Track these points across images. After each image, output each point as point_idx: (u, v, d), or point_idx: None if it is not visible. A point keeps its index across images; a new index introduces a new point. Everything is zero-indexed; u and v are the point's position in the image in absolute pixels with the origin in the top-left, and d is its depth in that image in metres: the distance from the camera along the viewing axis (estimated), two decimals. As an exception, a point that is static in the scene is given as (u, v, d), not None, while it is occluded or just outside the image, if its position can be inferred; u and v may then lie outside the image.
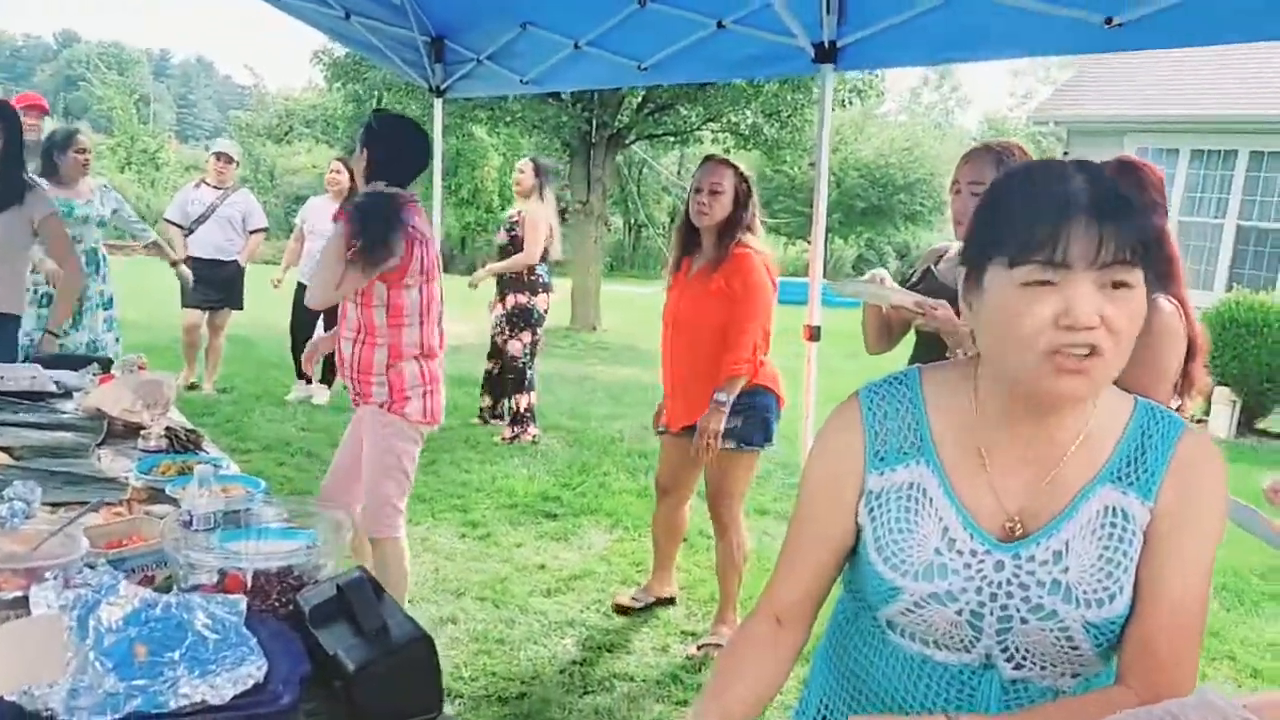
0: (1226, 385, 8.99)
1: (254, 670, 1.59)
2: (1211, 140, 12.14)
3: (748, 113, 12.18)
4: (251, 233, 7.41)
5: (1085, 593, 1.22)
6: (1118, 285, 1.13)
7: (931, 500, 1.27)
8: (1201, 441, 1.27)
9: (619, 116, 11.72)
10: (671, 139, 14.07)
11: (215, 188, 7.24)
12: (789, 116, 12.08)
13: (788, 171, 21.65)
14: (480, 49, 5.83)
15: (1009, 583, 1.24)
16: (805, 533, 1.38)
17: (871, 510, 1.30)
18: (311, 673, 1.65)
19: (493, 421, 7.01)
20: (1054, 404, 1.21)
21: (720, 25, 4.20)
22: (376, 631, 1.67)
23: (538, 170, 6.66)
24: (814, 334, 3.84)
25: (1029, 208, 1.15)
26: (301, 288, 7.18)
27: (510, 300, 6.60)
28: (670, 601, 4.18)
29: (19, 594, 1.63)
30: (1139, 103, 12.80)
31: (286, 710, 1.56)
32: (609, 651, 3.77)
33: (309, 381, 7.41)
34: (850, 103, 12.72)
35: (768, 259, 3.71)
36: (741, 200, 3.64)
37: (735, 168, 3.70)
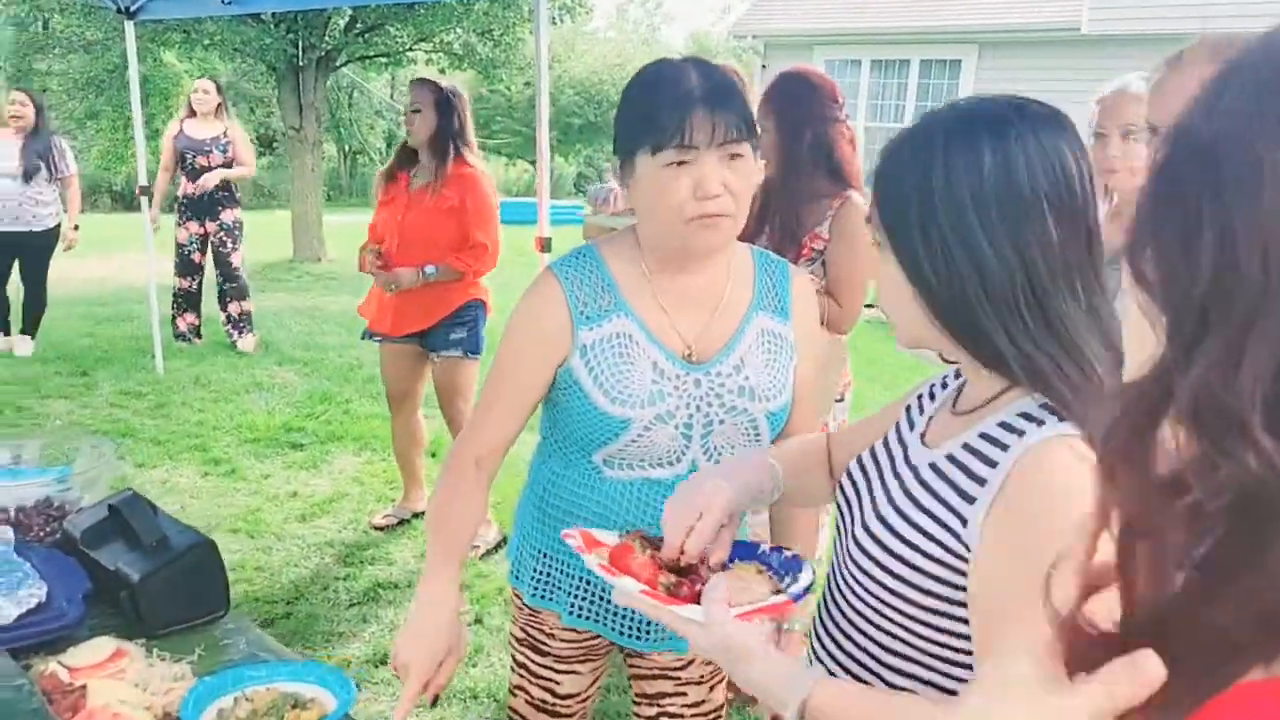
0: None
1: (34, 592, 1.65)
2: (889, 51, 13.23)
3: (459, 31, 12.05)
4: None
5: (763, 392, 1.59)
6: (734, 157, 1.45)
7: (637, 343, 1.56)
8: (802, 274, 1.70)
9: (326, 38, 11.27)
10: (384, 60, 13.68)
11: None
12: (501, 35, 12.05)
13: (504, 91, 21.54)
14: (172, -33, 5.52)
15: (709, 394, 1.56)
16: (508, 385, 1.61)
17: (588, 361, 1.55)
18: (94, 589, 1.72)
19: (198, 340, 7.15)
20: (701, 256, 1.54)
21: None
22: (157, 542, 1.75)
23: (219, 90, 6.93)
24: (545, 245, 4.05)
25: (661, 104, 1.44)
26: None
27: (228, 215, 6.88)
28: (423, 514, 4.33)
29: None
30: (825, 17, 13.71)
31: (72, 624, 1.64)
32: (370, 565, 3.90)
33: (7, 333, 6.85)
34: (560, 20, 12.83)
35: (489, 180, 3.94)
36: (445, 115, 3.80)
37: (433, 84, 3.89)
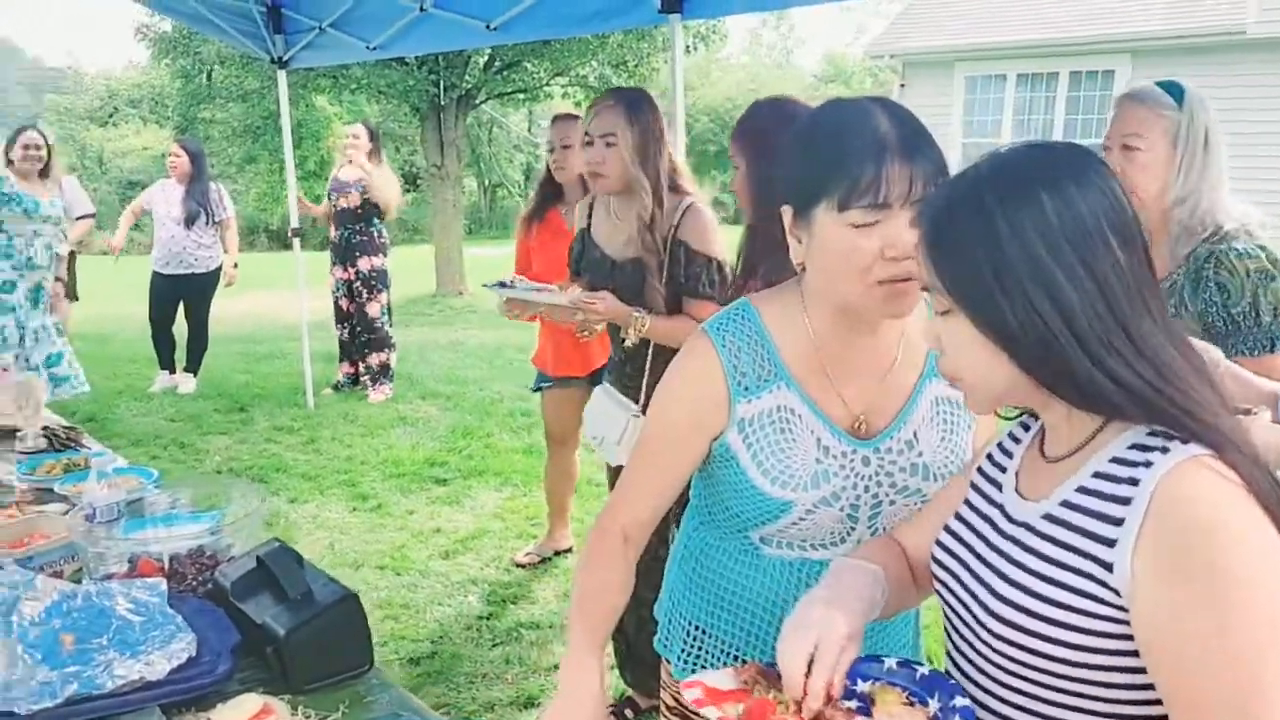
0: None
1: (185, 645, 1.63)
2: (1036, 64, 12.75)
3: (594, 65, 12.20)
4: (78, 219, 7.11)
5: (939, 469, 1.44)
6: None
7: (800, 417, 1.41)
8: None
9: (466, 77, 11.58)
10: (521, 96, 13.97)
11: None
12: (636, 66, 12.15)
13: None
14: (321, 16, 5.71)
15: (878, 473, 1.43)
16: (660, 457, 1.48)
17: (746, 436, 1.42)
18: (242, 642, 1.70)
19: (355, 388, 7.09)
20: (882, 323, 1.40)
21: (567, -19, 4.24)
22: (302, 596, 1.72)
23: (372, 134, 6.83)
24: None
25: (850, 155, 1.27)
26: (158, 277, 6.95)
27: (365, 263, 6.79)
28: (568, 552, 4.29)
29: (-68, 603, 1.62)
30: (966, 32, 13.33)
31: (222, 679, 1.62)
32: (513, 604, 3.87)
33: (173, 371, 7.20)
34: (695, 49, 12.86)
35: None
36: None
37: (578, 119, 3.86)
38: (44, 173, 5.70)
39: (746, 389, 1.42)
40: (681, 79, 4.07)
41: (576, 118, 3.86)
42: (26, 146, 5.61)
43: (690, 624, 1.59)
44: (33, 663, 1.54)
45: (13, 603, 1.61)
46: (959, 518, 1.21)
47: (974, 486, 1.22)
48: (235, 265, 7.08)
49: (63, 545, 1.97)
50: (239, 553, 1.98)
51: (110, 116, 28.71)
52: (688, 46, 12.44)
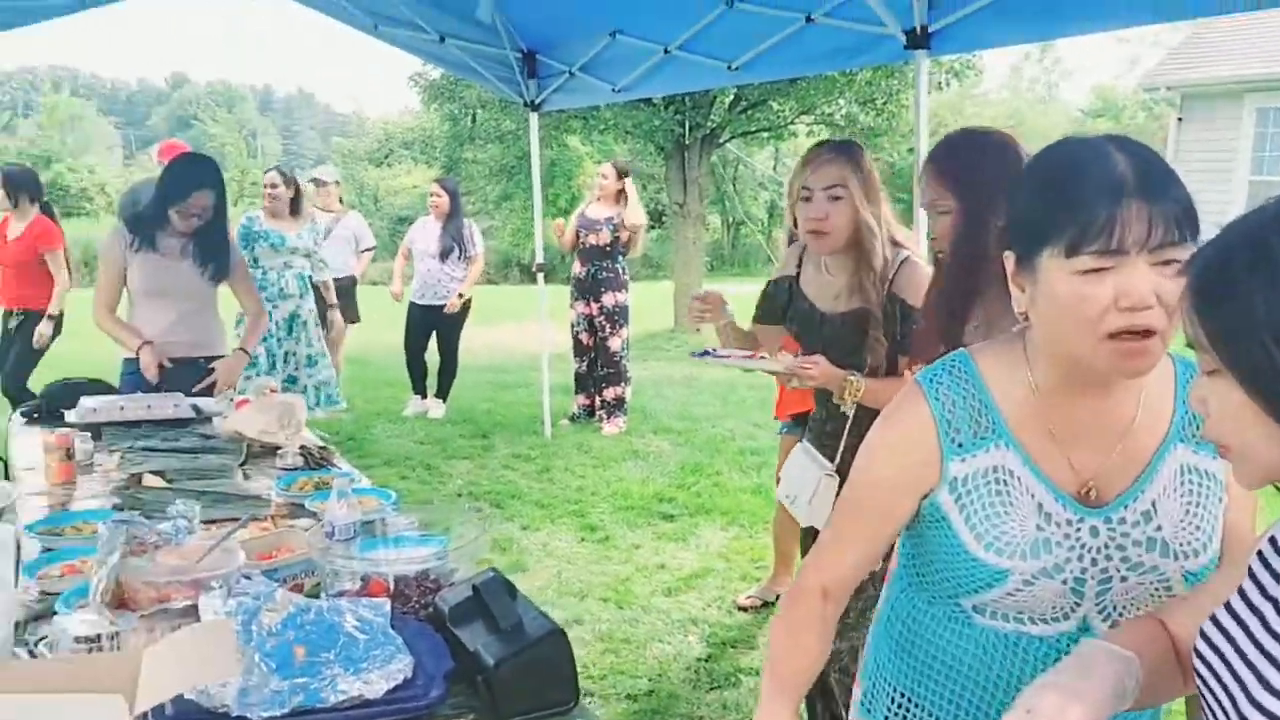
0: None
1: (403, 666, 1.69)
2: (1336, 95, 11.57)
3: (841, 102, 12.10)
4: (362, 252, 7.70)
5: (1181, 546, 1.30)
6: (1168, 262, 1.15)
7: (1020, 479, 1.30)
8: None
9: (711, 116, 11.76)
10: (765, 135, 14.04)
11: (325, 210, 7.54)
12: (884, 104, 11.95)
13: (886, 159, 21.37)
14: (571, 61, 5.95)
15: (1107, 546, 1.29)
16: (865, 514, 1.40)
17: (959, 498, 1.31)
18: (454, 669, 1.74)
19: (590, 420, 7.26)
20: (1117, 380, 1.26)
21: (809, 19, 4.20)
22: (512, 627, 1.75)
23: (621, 173, 7.02)
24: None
25: (1080, 196, 1.17)
26: (414, 307, 7.42)
27: (609, 298, 7.01)
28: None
29: (188, 603, 1.76)
30: (1258, 61, 12.25)
31: (434, 703, 1.66)
32: (733, 648, 3.82)
33: (424, 396, 7.64)
34: (947, 84, 12.50)
35: None
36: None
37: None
38: (294, 209, 6.28)
39: (960, 446, 1.32)
40: (926, 117, 3.95)
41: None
42: (270, 185, 6.21)
43: (896, 690, 1.49)
44: (267, 671, 1.63)
45: (255, 612, 1.72)
46: (1228, 607, 1.06)
47: (1250, 573, 1.07)
48: (461, 296, 7.39)
49: (304, 560, 2.09)
50: (461, 578, 2.04)
51: (386, 157, 31.14)
52: (940, 82, 12.13)
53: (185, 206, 3.69)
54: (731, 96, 11.79)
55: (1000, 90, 39.34)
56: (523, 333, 11.39)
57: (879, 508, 1.38)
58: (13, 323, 6.17)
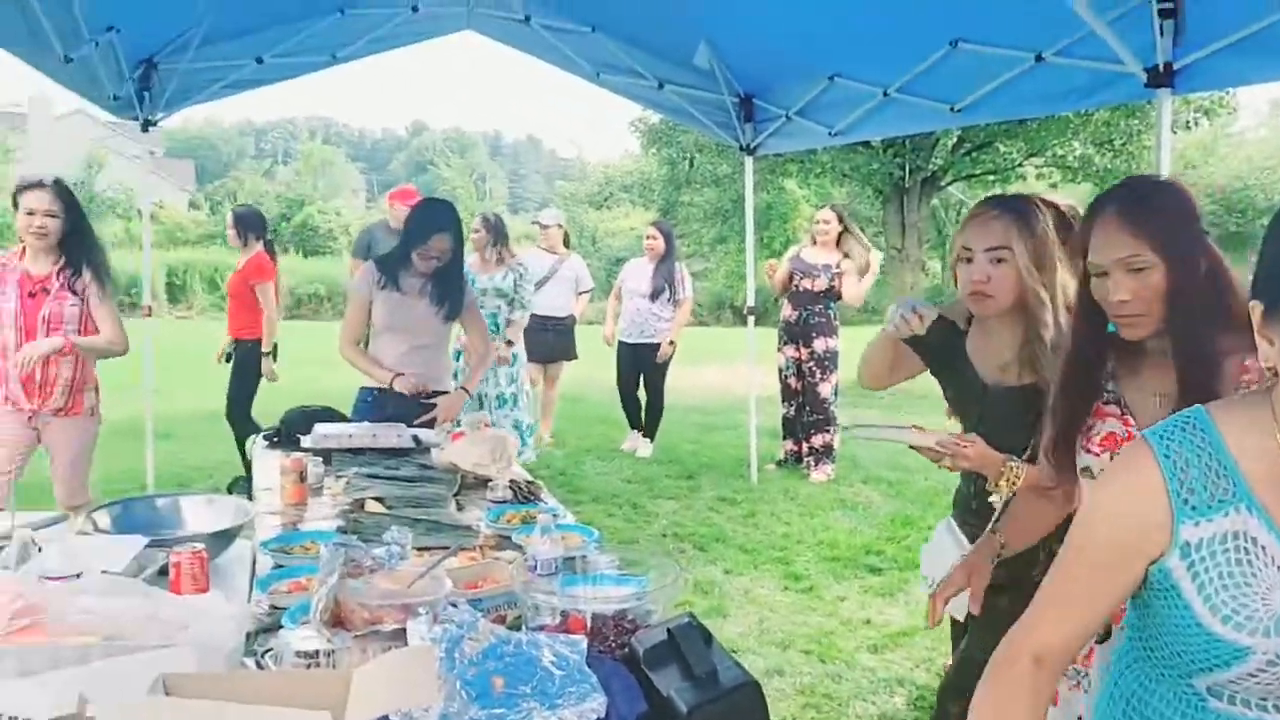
0: None
1: (596, 706, 1.69)
2: None
3: (1075, 143, 11.52)
4: (580, 293, 7.94)
5: None
6: None
7: (1264, 548, 1.18)
8: None
9: (933, 159, 11.47)
10: (990, 178, 13.56)
11: (549, 251, 7.82)
12: (1123, 145, 11.29)
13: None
14: (788, 105, 5.96)
15: None
16: (1086, 579, 1.30)
17: (1191, 564, 1.21)
18: (646, 712, 1.73)
19: (797, 466, 7.13)
20: None
21: (1039, 58, 4.03)
22: (707, 675, 1.72)
23: (841, 218, 6.93)
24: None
25: None
26: (623, 346, 7.57)
27: (820, 344, 6.92)
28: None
29: (398, 626, 1.83)
30: None
31: (626, 747, 1.65)
32: (940, 712, 3.63)
33: (642, 432, 7.76)
34: (1196, 124, 11.69)
35: None
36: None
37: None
38: (496, 253, 6.52)
39: (1194, 509, 1.21)
40: (1169, 159, 3.69)
41: (1048, 202, 3.65)
42: (473, 230, 6.49)
43: None
44: (467, 700, 1.67)
45: (458, 640, 1.77)
46: None
47: None
48: (671, 343, 7.45)
49: (507, 592, 2.13)
50: (658, 620, 2.03)
51: (605, 200, 32.16)
52: (1188, 121, 11.37)
53: (426, 249, 3.92)
54: (955, 138, 11.47)
55: (1258, 128, 36.46)
56: (730, 375, 11.40)
57: (1101, 572, 1.28)
58: (232, 350, 6.62)
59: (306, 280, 25.07)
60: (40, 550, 2.15)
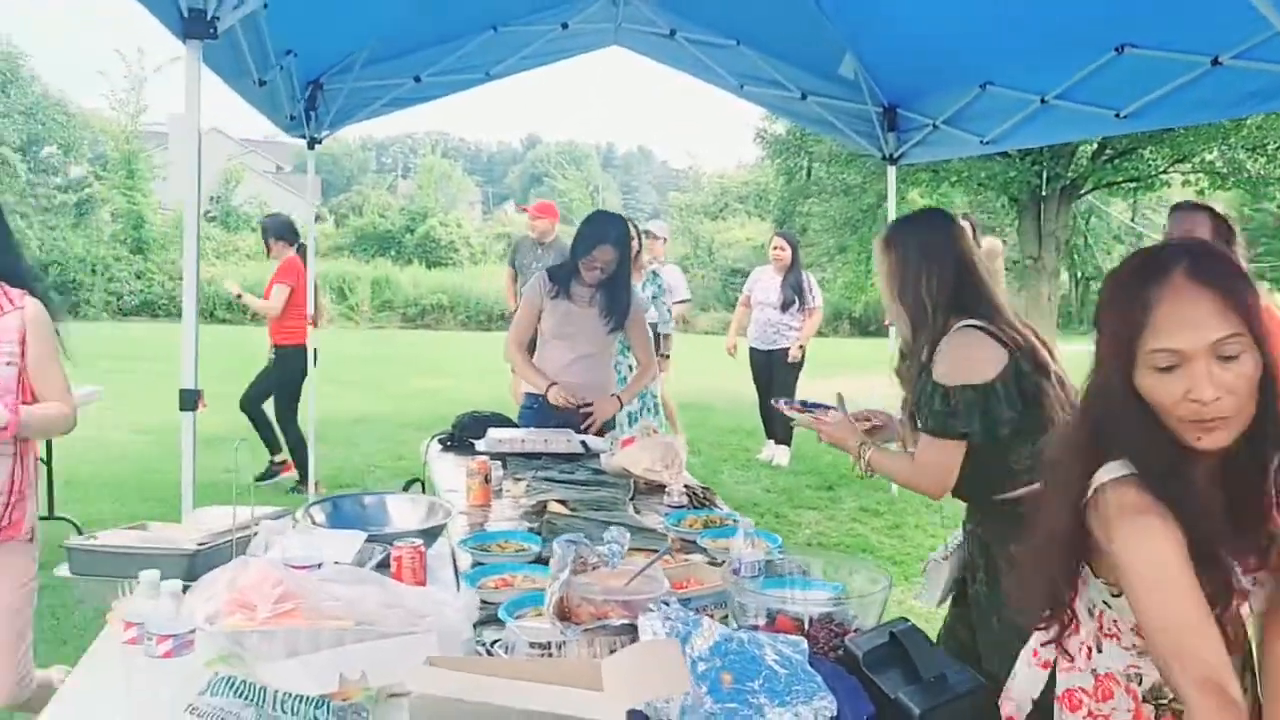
0: None
1: (826, 704, 1.72)
2: None
3: (1224, 149, 11.08)
4: (676, 303, 8.00)
5: None
6: None
7: None
8: None
9: (1071, 167, 11.17)
10: (1132, 185, 13.13)
11: (651, 261, 7.89)
12: (1276, 150, 10.81)
13: (1272, 209, 19.32)
14: (936, 114, 5.90)
15: None
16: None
17: None
18: (874, 715, 1.76)
19: None
20: None
21: (1215, 62, 3.92)
22: (935, 678, 1.74)
23: (974, 226, 6.80)
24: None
25: None
26: (755, 352, 7.60)
27: None
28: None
29: (623, 622, 1.90)
30: None
31: (856, 746, 1.68)
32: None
33: (778, 441, 7.77)
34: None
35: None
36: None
37: (1210, 211, 3.55)
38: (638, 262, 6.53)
39: None
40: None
41: (1202, 208, 3.59)
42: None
43: None
44: (701, 692, 1.73)
45: (686, 636, 1.83)
46: None
47: None
48: (801, 347, 7.44)
49: (714, 592, 2.19)
50: (863, 627, 2.05)
51: (720, 211, 32.15)
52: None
53: (590, 259, 4.02)
54: (1095, 146, 11.15)
55: None
56: (862, 385, 11.30)
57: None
58: (274, 356, 6.71)
59: (429, 291, 25.71)
60: (277, 542, 2.30)
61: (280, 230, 6.80)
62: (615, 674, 1.59)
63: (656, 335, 6.66)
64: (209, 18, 3.24)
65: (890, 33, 5.44)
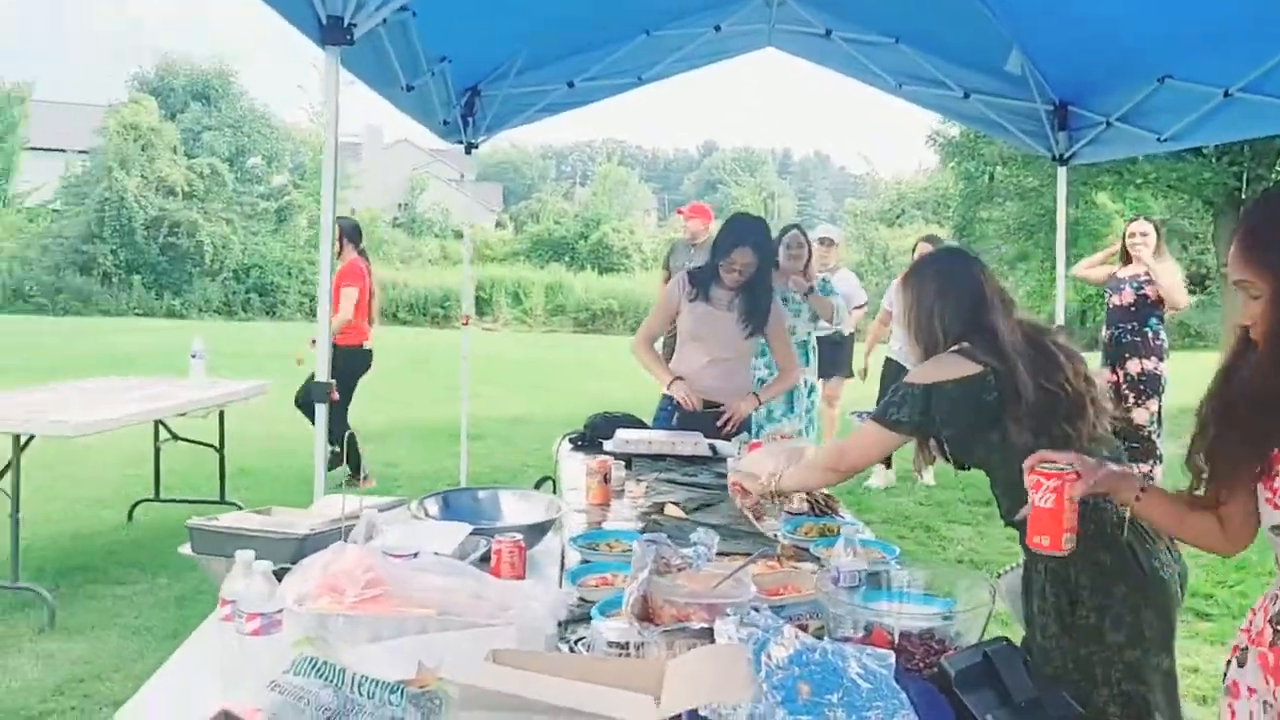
0: None
1: (906, 724, 1.63)
2: None
3: None
4: (854, 309, 7.80)
5: None
6: None
7: None
8: None
9: (1277, 166, 10.34)
10: (1344, 185, 12.06)
11: (824, 266, 7.71)
12: None
13: None
14: (1109, 110, 5.57)
15: None
16: None
17: None
18: (960, 736, 1.66)
19: None
20: None
21: None
22: (1028, 703, 1.63)
23: (1157, 229, 6.64)
24: None
25: None
26: (890, 364, 7.32)
27: (1134, 365, 6.43)
28: None
29: (704, 625, 1.86)
30: None
31: (941, 769, 1.59)
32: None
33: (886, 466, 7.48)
34: None
35: None
36: None
37: None
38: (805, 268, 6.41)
39: None
40: None
41: None
42: (788, 246, 6.30)
43: None
44: (773, 701, 1.67)
45: (764, 643, 1.77)
46: None
47: None
48: None
49: (810, 601, 2.12)
50: (965, 644, 1.94)
51: (898, 217, 31.39)
52: None
53: (728, 261, 3.97)
54: (1308, 142, 10.31)
55: None
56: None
57: None
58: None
59: (600, 296, 26.18)
60: (381, 531, 2.36)
61: (350, 232, 6.97)
62: (677, 676, 1.55)
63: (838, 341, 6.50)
64: (346, 24, 3.37)
65: (1059, 25, 5.16)
